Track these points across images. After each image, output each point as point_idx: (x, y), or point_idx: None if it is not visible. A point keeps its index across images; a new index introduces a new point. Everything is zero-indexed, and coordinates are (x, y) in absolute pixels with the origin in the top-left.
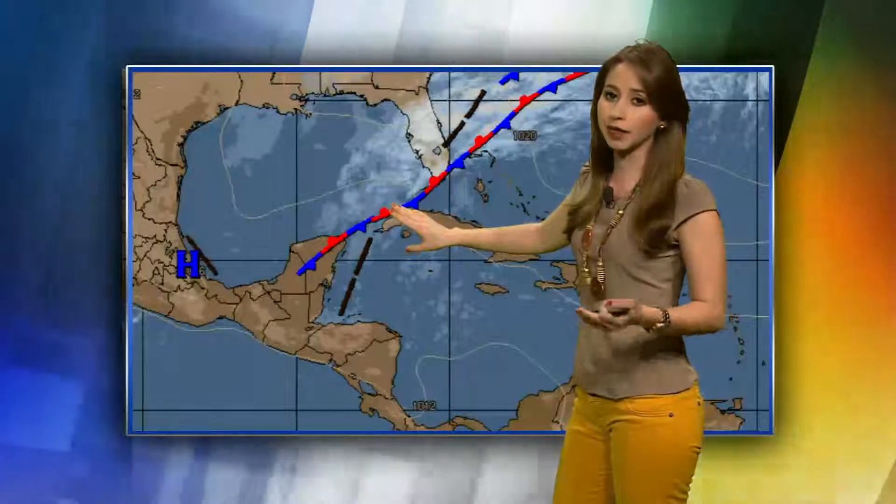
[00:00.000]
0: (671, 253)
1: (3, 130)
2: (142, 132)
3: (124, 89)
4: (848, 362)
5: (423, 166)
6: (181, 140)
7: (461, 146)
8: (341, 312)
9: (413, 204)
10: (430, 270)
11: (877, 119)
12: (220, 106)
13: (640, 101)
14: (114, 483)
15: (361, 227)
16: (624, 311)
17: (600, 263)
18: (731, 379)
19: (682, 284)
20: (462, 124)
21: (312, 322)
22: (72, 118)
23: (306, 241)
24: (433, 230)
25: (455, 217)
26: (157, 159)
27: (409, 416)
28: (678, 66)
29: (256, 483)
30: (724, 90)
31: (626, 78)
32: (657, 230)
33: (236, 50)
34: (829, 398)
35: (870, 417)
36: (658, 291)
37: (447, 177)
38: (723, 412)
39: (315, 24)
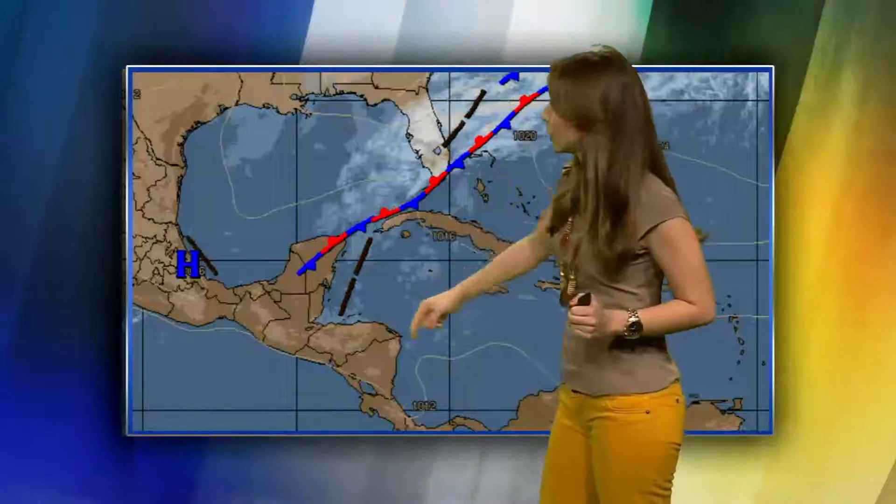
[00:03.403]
0: (641, 261)
1: (3, 131)
2: (142, 132)
3: (124, 89)
4: (848, 362)
5: (423, 166)
6: (181, 140)
7: (461, 146)
8: (341, 312)
9: (413, 204)
10: (430, 270)
11: (877, 119)
12: (220, 106)
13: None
14: (114, 483)
15: (361, 227)
16: (585, 300)
17: (572, 276)
18: (731, 379)
19: (661, 285)
20: (462, 124)
21: (312, 322)
22: (72, 118)
23: (306, 241)
24: (446, 308)
25: (455, 217)
26: (157, 159)
27: (409, 416)
28: (678, 66)
29: (257, 483)
30: (724, 90)
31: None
32: (620, 255)
33: (236, 50)
34: (829, 398)
35: (870, 417)
36: (634, 297)
37: (447, 177)
38: (723, 412)
39: (315, 24)
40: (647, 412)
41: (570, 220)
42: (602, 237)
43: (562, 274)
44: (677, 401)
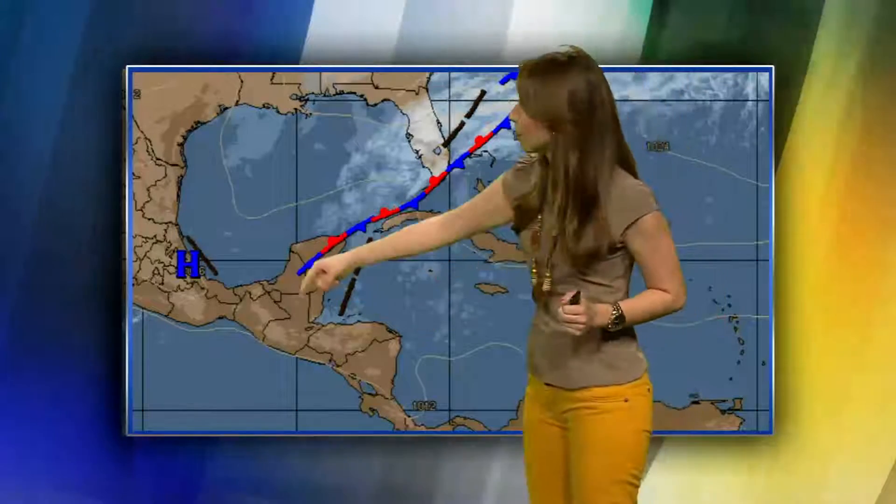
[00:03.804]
0: (618, 254)
1: (4, 131)
2: (142, 132)
3: (124, 89)
4: (848, 362)
5: (423, 166)
6: (181, 140)
7: (461, 146)
8: (341, 312)
9: (413, 204)
10: (430, 270)
11: (877, 119)
12: (220, 106)
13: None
14: (114, 483)
15: (361, 227)
16: (576, 299)
17: (548, 274)
18: (731, 379)
19: (630, 276)
20: (462, 124)
21: (312, 322)
22: (72, 118)
23: (306, 241)
24: (340, 271)
25: None
26: (157, 159)
27: (409, 416)
28: (678, 66)
29: (257, 483)
30: (724, 90)
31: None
32: (588, 251)
33: (236, 50)
34: (829, 398)
35: (870, 417)
36: (610, 290)
37: (447, 177)
38: (723, 412)
39: (315, 24)
40: (626, 400)
41: (539, 217)
42: (570, 234)
43: (533, 270)
44: (648, 390)
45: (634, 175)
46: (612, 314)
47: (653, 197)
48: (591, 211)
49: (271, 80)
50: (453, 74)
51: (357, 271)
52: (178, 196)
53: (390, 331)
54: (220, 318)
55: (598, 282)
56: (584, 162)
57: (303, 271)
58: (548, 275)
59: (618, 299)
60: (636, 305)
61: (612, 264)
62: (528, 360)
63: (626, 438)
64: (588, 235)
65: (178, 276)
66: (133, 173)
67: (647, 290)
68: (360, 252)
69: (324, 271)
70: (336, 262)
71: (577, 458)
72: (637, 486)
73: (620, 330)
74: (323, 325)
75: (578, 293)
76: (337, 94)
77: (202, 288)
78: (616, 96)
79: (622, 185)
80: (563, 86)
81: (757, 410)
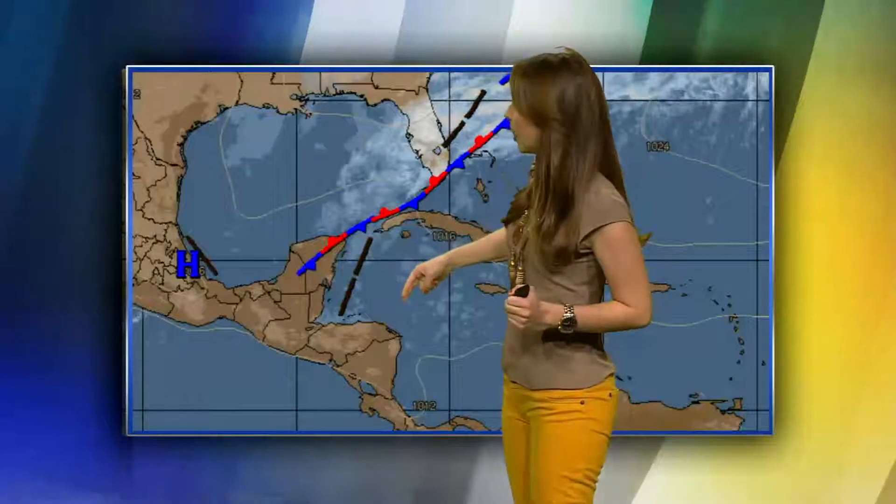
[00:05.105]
0: (584, 259)
1: (4, 131)
2: (142, 132)
3: (124, 89)
4: (848, 362)
5: (423, 166)
6: (181, 140)
7: (461, 146)
8: (341, 312)
9: (413, 204)
10: None
11: (876, 119)
12: (220, 106)
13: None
14: (114, 483)
15: (361, 227)
16: (523, 291)
17: (520, 268)
18: (731, 379)
19: (601, 286)
20: (462, 124)
21: (312, 322)
22: (72, 118)
23: (306, 241)
24: (437, 272)
25: (455, 217)
26: (157, 159)
27: (409, 416)
28: (678, 66)
29: (257, 483)
30: (724, 90)
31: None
32: (558, 250)
33: (236, 50)
34: (829, 398)
35: (870, 417)
36: (573, 294)
37: (447, 177)
38: (723, 412)
39: (315, 24)
40: (582, 402)
41: (525, 213)
42: (543, 231)
43: (511, 264)
44: (610, 395)
45: (620, 186)
46: (564, 315)
47: (626, 210)
48: (566, 211)
49: (271, 80)
50: (453, 74)
51: (357, 271)
52: (178, 196)
53: (390, 331)
54: (220, 318)
55: (563, 284)
56: (564, 161)
57: (303, 271)
58: (520, 269)
59: (581, 305)
60: (592, 312)
61: (578, 268)
62: (502, 357)
63: (579, 439)
64: (560, 234)
65: (178, 276)
66: (133, 173)
67: (611, 300)
68: (454, 256)
69: (423, 275)
70: (433, 265)
71: (533, 457)
72: (592, 487)
73: (582, 336)
74: (323, 325)
75: (527, 286)
76: (337, 94)
77: (202, 288)
78: (616, 96)
79: (598, 190)
80: (552, 86)
81: (757, 410)
